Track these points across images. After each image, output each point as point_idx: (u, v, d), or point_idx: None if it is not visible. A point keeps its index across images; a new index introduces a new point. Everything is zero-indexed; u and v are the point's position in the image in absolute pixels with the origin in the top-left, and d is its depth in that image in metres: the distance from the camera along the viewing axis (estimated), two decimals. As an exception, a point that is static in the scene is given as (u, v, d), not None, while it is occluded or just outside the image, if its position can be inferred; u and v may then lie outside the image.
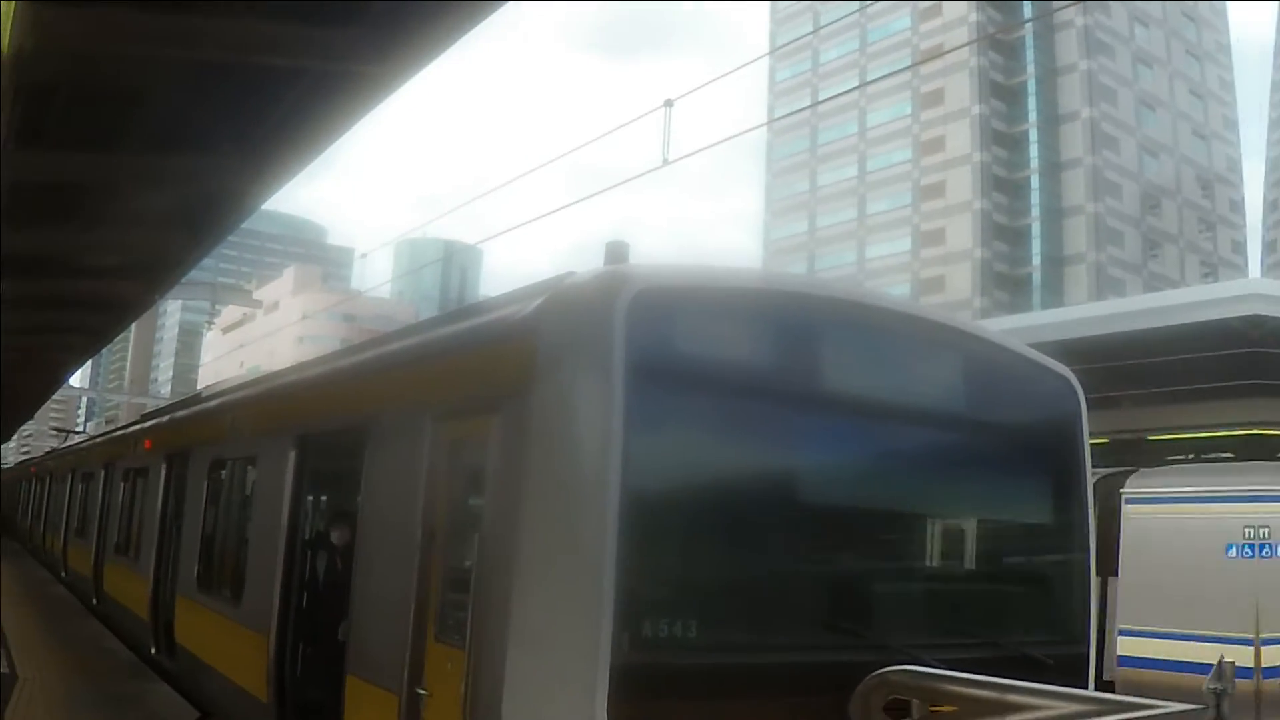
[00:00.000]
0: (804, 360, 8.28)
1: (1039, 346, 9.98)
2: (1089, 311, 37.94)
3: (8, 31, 10.99)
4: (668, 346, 7.53)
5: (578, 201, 21.33)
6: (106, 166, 18.64)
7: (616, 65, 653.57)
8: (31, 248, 22.55)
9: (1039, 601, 9.61)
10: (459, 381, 9.13)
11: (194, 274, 38.04)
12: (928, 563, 9.23)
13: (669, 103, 17.26)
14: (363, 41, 13.86)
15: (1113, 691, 14.81)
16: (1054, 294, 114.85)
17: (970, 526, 9.48)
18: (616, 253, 8.51)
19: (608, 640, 6.79)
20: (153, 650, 17.68)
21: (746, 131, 18.81)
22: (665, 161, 17.35)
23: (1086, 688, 8.68)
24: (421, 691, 8.38)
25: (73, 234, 22.91)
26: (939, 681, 4.54)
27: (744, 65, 18.06)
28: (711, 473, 7.72)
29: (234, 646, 13.06)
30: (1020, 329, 23.08)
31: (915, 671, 4.76)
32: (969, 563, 9.55)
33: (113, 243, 24.22)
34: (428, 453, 8.84)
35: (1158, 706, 4.00)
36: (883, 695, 4.68)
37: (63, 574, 32.65)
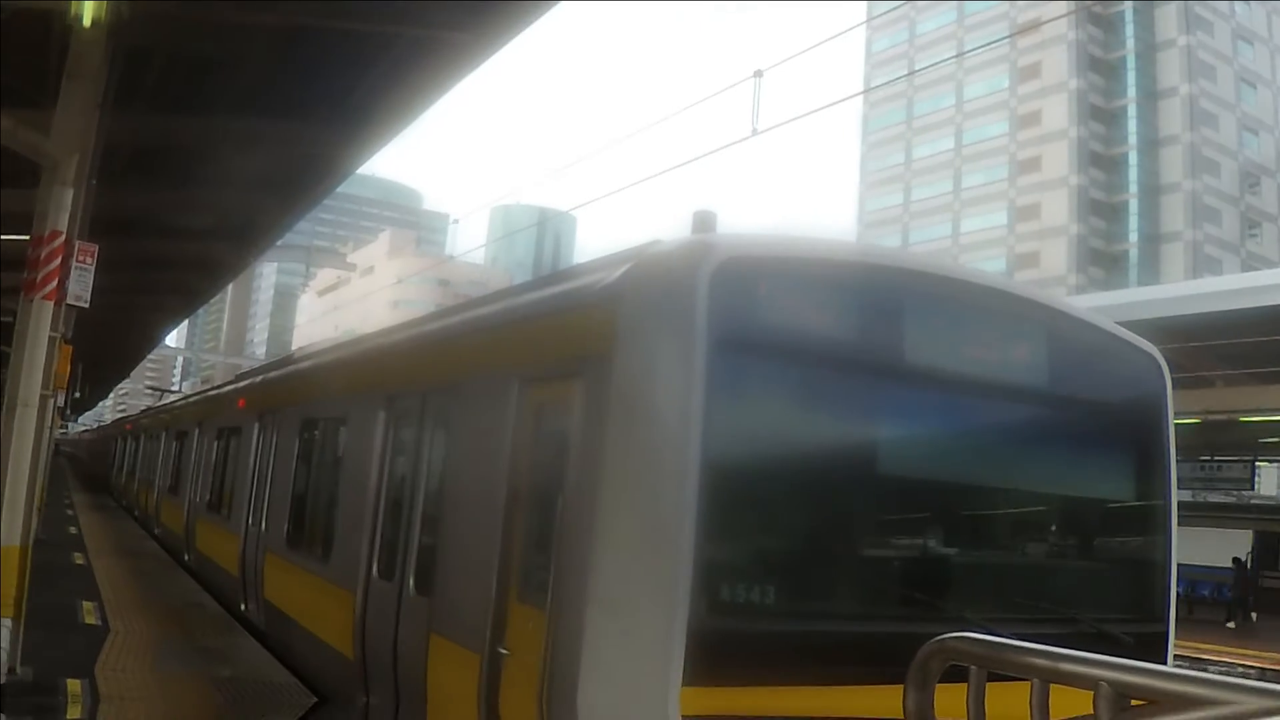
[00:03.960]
0: (887, 333, 8.20)
1: (1128, 324, 9.91)
2: (1179, 290, 37.38)
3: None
4: (751, 316, 7.50)
5: (667, 170, 21.43)
6: (201, 130, 18.87)
7: (711, 37, 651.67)
8: (128, 208, 22.91)
9: (1119, 580, 9.50)
10: (545, 346, 9.14)
11: (289, 237, 38.54)
12: (1007, 537, 9.16)
13: (759, 73, 17.29)
14: (457, 8, 13.93)
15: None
16: (1150, 272, 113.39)
17: (1051, 502, 9.40)
18: (704, 222, 8.47)
19: (684, 604, 6.81)
20: (242, 606, 17.93)
21: (842, 100, 18.81)
22: (754, 132, 17.40)
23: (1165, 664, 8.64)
24: (503, 650, 8.41)
25: (168, 196, 23.26)
26: (997, 649, 4.55)
27: (838, 35, 18.02)
28: (791, 442, 7.71)
29: (321, 603, 13.24)
30: (1108, 307, 22.84)
31: (973, 638, 4.76)
32: (1048, 538, 9.51)
33: (207, 205, 24.56)
34: (514, 415, 8.85)
35: (1228, 682, 3.99)
36: (941, 661, 4.69)
37: (155, 530, 33.09)
